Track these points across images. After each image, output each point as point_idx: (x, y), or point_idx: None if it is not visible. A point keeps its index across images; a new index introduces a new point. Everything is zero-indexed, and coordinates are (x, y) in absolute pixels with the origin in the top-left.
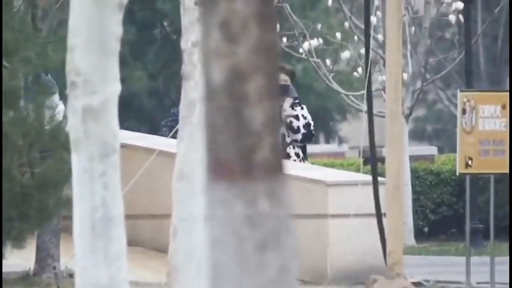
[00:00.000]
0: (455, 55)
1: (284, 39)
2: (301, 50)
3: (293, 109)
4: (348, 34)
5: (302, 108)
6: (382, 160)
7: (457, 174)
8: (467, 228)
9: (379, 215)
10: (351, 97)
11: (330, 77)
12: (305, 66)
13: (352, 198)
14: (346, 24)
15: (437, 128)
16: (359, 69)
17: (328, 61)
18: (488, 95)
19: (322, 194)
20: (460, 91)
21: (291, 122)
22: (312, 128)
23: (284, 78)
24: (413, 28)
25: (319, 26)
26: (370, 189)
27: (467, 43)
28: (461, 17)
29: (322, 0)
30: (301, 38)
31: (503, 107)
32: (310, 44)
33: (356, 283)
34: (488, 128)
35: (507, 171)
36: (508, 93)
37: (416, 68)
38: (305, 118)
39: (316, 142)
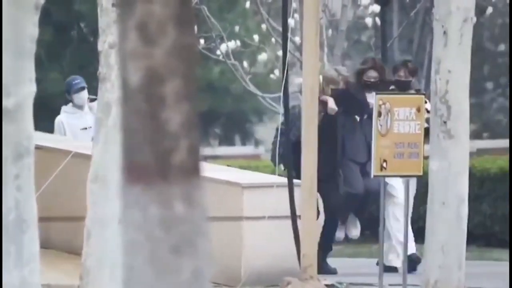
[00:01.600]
0: None
1: (202, 41)
2: (218, 52)
3: None
4: (266, 37)
5: (426, 102)
6: None
7: (372, 176)
8: (381, 230)
9: (294, 218)
10: (267, 99)
11: (247, 79)
12: (222, 68)
13: (267, 201)
14: (264, 26)
15: None
16: (276, 71)
17: (245, 63)
18: (404, 97)
19: (237, 197)
20: (376, 93)
21: None
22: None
23: (373, 75)
24: (330, 31)
25: (236, 28)
26: (285, 192)
27: (383, 46)
28: (377, 20)
29: (239, 2)
30: (219, 40)
31: (418, 109)
32: (227, 46)
33: (270, 285)
34: (403, 131)
35: (421, 173)
36: (423, 96)
37: (333, 71)
38: (429, 112)
39: (232, 144)
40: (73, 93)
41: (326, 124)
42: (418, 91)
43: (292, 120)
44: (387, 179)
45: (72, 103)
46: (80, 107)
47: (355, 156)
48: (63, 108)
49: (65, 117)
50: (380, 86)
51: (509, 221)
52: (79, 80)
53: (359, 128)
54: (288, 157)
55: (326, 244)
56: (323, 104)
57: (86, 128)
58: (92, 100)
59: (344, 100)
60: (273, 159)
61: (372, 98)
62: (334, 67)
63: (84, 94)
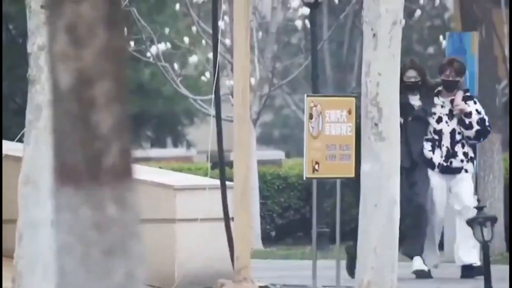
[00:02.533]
0: (302, 60)
1: (132, 43)
2: (148, 54)
3: (465, 102)
4: (196, 39)
5: (475, 103)
6: (230, 164)
7: (304, 178)
8: (314, 232)
9: (227, 220)
10: (199, 101)
11: (178, 82)
12: (153, 70)
13: (200, 203)
14: (194, 28)
15: (284, 133)
16: (207, 74)
17: (176, 66)
18: (335, 100)
19: (170, 199)
20: (307, 96)
21: (463, 117)
22: (487, 123)
23: (412, 75)
24: (260, 33)
25: (166, 30)
26: (218, 194)
27: (313, 48)
28: (307, 22)
29: (169, 4)
30: (149, 42)
31: (349, 112)
32: (158, 48)
33: (204, 287)
34: (334, 133)
35: (353, 175)
36: (354, 99)
37: (263, 73)
38: (479, 113)
39: (164, 146)
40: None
41: None
42: (466, 91)
43: None
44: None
45: None
46: None
47: None
48: None
49: None
50: (425, 88)
51: (509, 221)
52: None
53: (403, 131)
54: (221, 159)
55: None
56: None
57: None
58: None
59: None
60: None
61: (414, 100)
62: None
63: None
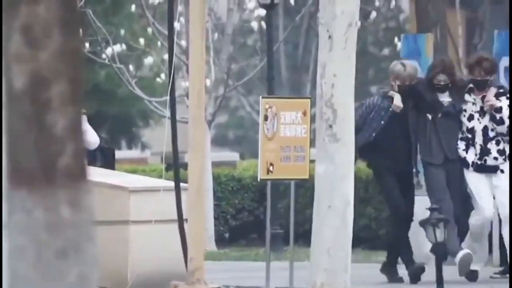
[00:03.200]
0: (257, 62)
1: (87, 45)
2: (104, 56)
3: (497, 98)
4: (152, 40)
5: (507, 99)
6: (185, 166)
7: (259, 180)
8: (268, 233)
9: (180, 221)
10: (154, 103)
11: (133, 83)
12: (108, 71)
13: (154, 204)
14: (150, 30)
15: (239, 134)
16: (162, 75)
17: (131, 67)
18: (290, 101)
19: (124, 200)
20: (262, 97)
21: (494, 112)
22: None
23: (442, 78)
24: (216, 35)
25: (122, 31)
26: (172, 195)
27: (269, 50)
28: (263, 24)
29: (125, 6)
30: (104, 44)
31: (304, 113)
32: (113, 49)
33: None
34: (289, 135)
35: (307, 176)
36: (309, 100)
37: (219, 74)
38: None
39: (118, 148)
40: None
41: (396, 120)
42: (500, 87)
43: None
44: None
45: None
46: None
47: (429, 157)
48: None
49: None
50: (455, 88)
51: (509, 222)
52: None
53: (433, 127)
54: (175, 160)
55: (392, 250)
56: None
57: None
58: None
59: (413, 97)
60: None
61: (444, 97)
62: (401, 62)
63: None
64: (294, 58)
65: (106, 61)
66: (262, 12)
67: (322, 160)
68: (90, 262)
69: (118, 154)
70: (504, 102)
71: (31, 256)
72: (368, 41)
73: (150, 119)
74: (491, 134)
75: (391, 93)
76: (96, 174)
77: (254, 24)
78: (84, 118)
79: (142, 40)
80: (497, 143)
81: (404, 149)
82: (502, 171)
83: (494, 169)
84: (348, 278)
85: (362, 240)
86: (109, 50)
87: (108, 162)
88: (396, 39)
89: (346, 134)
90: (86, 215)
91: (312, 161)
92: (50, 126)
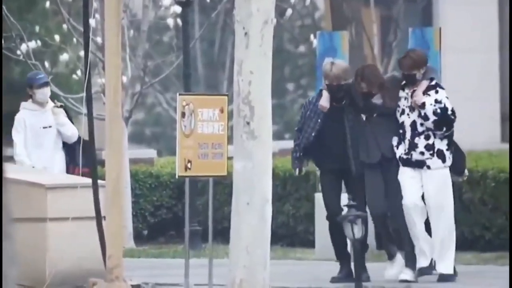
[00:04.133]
0: (174, 59)
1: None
2: (19, 52)
3: (425, 94)
4: (67, 37)
5: (437, 92)
6: (102, 163)
7: (177, 177)
8: (186, 230)
9: (99, 218)
10: (70, 99)
11: (49, 80)
12: (23, 68)
13: (71, 201)
14: (65, 26)
15: (156, 131)
16: (79, 72)
17: (46, 64)
18: (207, 98)
19: (41, 197)
20: (179, 94)
21: (419, 108)
22: (450, 112)
23: (363, 86)
24: (131, 32)
25: (37, 28)
26: (90, 192)
27: (185, 47)
28: (179, 21)
29: (39, 2)
30: (19, 40)
31: (221, 110)
32: (28, 46)
33: (76, 286)
34: (207, 132)
35: (225, 173)
36: (226, 97)
37: (135, 71)
38: (439, 102)
39: None
40: (35, 88)
41: (332, 119)
42: (431, 80)
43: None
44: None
45: (32, 99)
46: (41, 104)
47: (366, 157)
48: (23, 104)
49: (25, 114)
50: (385, 89)
51: (509, 221)
52: (42, 75)
53: (368, 127)
54: (92, 157)
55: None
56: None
57: (46, 127)
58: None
59: (346, 98)
60: (293, 164)
61: (376, 99)
62: (331, 61)
63: (47, 90)
64: (211, 55)
65: (21, 57)
66: (178, 9)
67: (240, 157)
68: (9, 260)
69: None
70: (430, 98)
71: None
72: (284, 38)
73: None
74: (420, 128)
75: (323, 92)
76: (13, 171)
77: (170, 21)
78: (62, 111)
79: (57, 37)
80: (426, 138)
81: (344, 148)
82: (428, 167)
83: (420, 164)
84: (267, 275)
85: (280, 237)
86: (23, 47)
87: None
88: (312, 36)
89: (264, 131)
90: (3, 213)
91: (230, 158)
92: None
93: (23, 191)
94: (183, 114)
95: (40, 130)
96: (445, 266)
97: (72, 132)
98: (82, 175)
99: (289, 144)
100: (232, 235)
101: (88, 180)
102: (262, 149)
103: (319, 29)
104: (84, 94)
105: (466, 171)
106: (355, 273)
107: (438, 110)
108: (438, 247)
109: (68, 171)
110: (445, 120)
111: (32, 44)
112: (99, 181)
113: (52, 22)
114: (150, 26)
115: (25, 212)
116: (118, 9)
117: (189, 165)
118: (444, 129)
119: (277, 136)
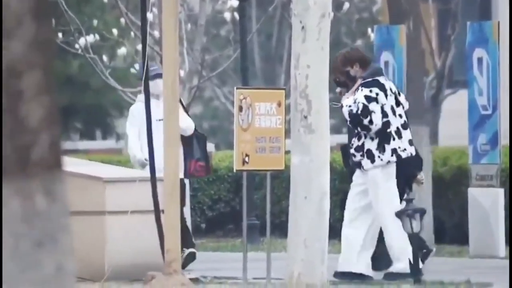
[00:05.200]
0: (231, 53)
1: (60, 35)
2: (77, 46)
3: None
4: (125, 31)
5: (361, 90)
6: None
7: (234, 171)
8: (244, 224)
9: (157, 212)
10: (128, 93)
11: (107, 73)
12: (81, 62)
13: (129, 195)
14: (123, 20)
15: (213, 125)
16: (136, 66)
17: (104, 57)
18: (264, 92)
19: (99, 191)
20: (236, 88)
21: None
22: (355, 111)
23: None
24: (189, 25)
25: (95, 22)
26: (148, 186)
27: (242, 40)
28: (236, 14)
29: None
30: (77, 34)
31: (279, 104)
32: (86, 40)
33: (134, 280)
34: (264, 125)
35: (283, 167)
36: (283, 91)
37: (192, 65)
38: (355, 102)
39: (93, 138)
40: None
41: None
42: (363, 79)
43: None
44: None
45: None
46: (156, 96)
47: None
48: (139, 97)
49: (140, 107)
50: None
51: (509, 221)
52: (155, 67)
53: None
54: (150, 151)
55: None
56: None
57: (161, 120)
58: None
59: None
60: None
61: (344, 100)
62: None
63: (160, 82)
64: (268, 48)
65: (79, 51)
66: (235, 3)
67: (298, 151)
68: (66, 253)
69: (93, 144)
70: (352, 98)
71: (7, 247)
72: (342, 32)
73: (125, 109)
74: (355, 130)
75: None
76: (72, 164)
77: (227, 15)
78: (178, 105)
79: (115, 31)
80: (359, 139)
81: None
82: (363, 168)
83: (358, 165)
84: (325, 269)
85: (338, 231)
86: (82, 40)
87: (202, 149)
88: (369, 30)
89: (321, 125)
90: (61, 206)
91: (287, 152)
92: (23, 116)
93: (81, 184)
94: (240, 108)
95: (155, 122)
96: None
97: (187, 124)
98: (197, 170)
99: (346, 138)
100: (290, 229)
101: (146, 174)
102: (319, 143)
103: (376, 23)
104: (142, 88)
105: (420, 175)
106: (412, 268)
107: (354, 111)
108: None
109: (185, 165)
110: (356, 121)
111: (90, 38)
112: (158, 175)
113: (110, 16)
114: (208, 20)
115: (83, 205)
116: (175, 3)
117: (246, 159)
118: (359, 129)
119: (335, 130)
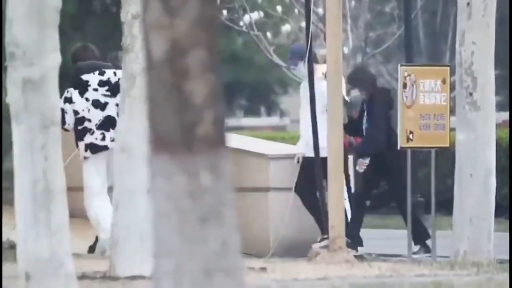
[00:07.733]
0: (395, 30)
1: (225, 12)
2: (241, 23)
3: None
4: (289, 8)
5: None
6: None
7: (399, 148)
8: (409, 202)
9: (321, 190)
10: (292, 70)
11: (271, 50)
12: (245, 39)
13: (293, 172)
14: None
15: None
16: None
17: (268, 34)
18: (429, 69)
19: (263, 167)
20: (401, 65)
21: None
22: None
23: (356, 94)
24: (353, 2)
25: None
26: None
27: (407, 17)
28: None
29: None
30: (242, 11)
31: (443, 81)
32: (250, 17)
33: (299, 256)
34: (428, 102)
35: (447, 145)
36: (448, 68)
37: (356, 42)
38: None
39: (257, 115)
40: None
41: None
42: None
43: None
44: None
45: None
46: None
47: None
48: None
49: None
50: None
51: (509, 216)
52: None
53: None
54: (314, 130)
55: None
56: None
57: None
58: None
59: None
60: None
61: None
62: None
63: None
64: (433, 25)
65: (244, 28)
66: None
67: (463, 128)
68: (231, 229)
69: (257, 121)
70: None
71: (174, 221)
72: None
73: (289, 86)
74: None
75: None
76: (235, 141)
77: None
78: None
79: (279, 8)
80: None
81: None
82: None
83: None
84: (491, 247)
85: (505, 209)
86: (246, 18)
87: None
88: None
89: (487, 102)
90: (225, 182)
91: (452, 129)
92: (189, 93)
93: (246, 160)
94: (404, 85)
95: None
96: None
97: None
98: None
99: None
100: (455, 207)
101: (310, 152)
102: (485, 120)
103: None
104: (305, 65)
105: (360, 160)
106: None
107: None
108: None
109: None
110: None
111: (255, 15)
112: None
113: None
114: None
115: (247, 181)
116: None
117: (411, 136)
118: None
119: (500, 107)
